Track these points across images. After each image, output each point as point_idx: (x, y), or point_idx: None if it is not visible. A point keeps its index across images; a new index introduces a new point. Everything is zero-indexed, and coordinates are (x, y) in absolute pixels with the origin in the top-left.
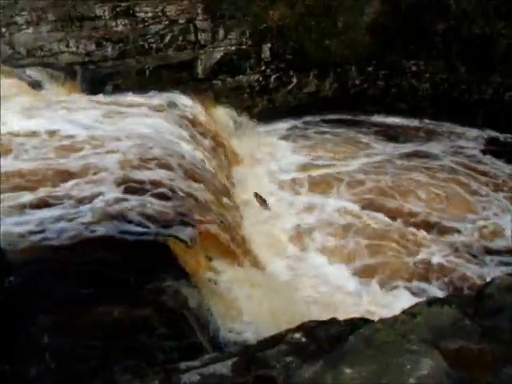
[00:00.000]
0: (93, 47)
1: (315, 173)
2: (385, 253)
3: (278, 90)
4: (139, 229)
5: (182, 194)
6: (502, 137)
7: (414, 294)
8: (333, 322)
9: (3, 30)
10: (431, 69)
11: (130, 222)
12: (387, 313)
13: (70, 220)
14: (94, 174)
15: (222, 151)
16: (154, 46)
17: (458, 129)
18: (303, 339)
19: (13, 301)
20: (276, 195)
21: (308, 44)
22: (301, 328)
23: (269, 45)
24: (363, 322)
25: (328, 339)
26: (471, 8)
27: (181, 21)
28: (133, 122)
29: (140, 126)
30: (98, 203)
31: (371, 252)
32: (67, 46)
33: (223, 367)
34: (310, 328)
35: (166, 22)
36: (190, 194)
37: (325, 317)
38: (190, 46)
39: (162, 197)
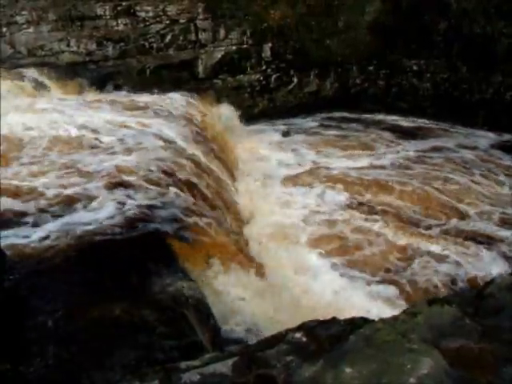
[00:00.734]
0: (93, 47)
1: (317, 169)
2: None
3: (278, 89)
4: (139, 228)
5: (182, 194)
6: None
7: None
8: (333, 321)
9: (4, 29)
10: (432, 68)
11: (130, 221)
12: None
13: (70, 220)
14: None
15: (222, 150)
16: (154, 45)
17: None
18: (303, 339)
19: (13, 300)
20: (278, 192)
21: (309, 43)
22: (301, 327)
23: (269, 44)
24: (363, 321)
25: (328, 338)
26: (472, 7)
27: (181, 20)
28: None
29: (141, 127)
30: (98, 203)
31: None
32: (68, 45)
33: (223, 367)
34: (310, 327)
35: (167, 22)
36: (191, 194)
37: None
38: (191, 46)
39: (162, 196)
